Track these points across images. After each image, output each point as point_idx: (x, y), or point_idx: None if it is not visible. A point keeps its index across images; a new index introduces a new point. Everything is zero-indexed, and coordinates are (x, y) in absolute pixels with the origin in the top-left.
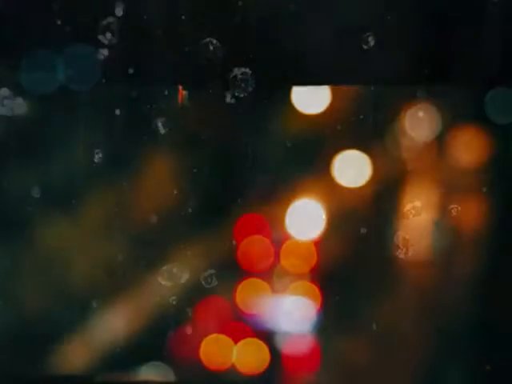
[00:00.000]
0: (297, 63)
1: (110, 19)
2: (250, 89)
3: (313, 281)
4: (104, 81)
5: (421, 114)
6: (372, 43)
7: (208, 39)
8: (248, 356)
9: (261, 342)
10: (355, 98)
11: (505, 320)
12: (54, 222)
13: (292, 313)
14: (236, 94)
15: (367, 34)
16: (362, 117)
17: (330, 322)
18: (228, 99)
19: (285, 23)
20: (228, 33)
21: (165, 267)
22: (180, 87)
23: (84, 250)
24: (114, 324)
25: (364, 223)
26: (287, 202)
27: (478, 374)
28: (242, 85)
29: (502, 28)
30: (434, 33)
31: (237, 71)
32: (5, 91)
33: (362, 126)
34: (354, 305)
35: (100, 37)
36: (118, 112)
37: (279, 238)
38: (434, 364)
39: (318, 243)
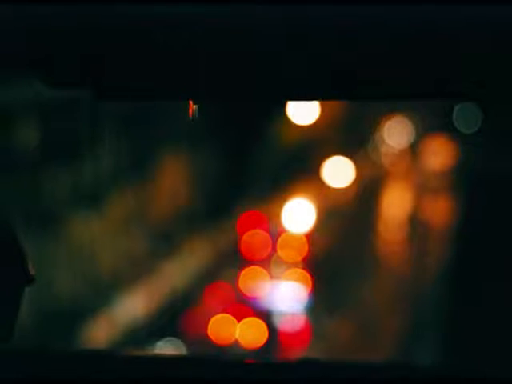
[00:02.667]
0: (292, 79)
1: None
2: None
3: (305, 268)
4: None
5: (397, 124)
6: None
7: None
8: (249, 333)
9: (260, 321)
10: (341, 111)
11: (470, 299)
12: (85, 218)
13: (287, 295)
14: None
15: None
16: (347, 127)
17: (319, 304)
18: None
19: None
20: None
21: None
22: (190, 101)
23: (109, 241)
24: (133, 305)
25: (349, 218)
26: (283, 201)
27: (446, 345)
28: None
29: (468, 49)
30: (411, 56)
31: None
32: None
33: (347, 135)
34: (341, 289)
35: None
36: (136, 122)
37: (276, 232)
38: (410, 339)
39: (310, 236)
